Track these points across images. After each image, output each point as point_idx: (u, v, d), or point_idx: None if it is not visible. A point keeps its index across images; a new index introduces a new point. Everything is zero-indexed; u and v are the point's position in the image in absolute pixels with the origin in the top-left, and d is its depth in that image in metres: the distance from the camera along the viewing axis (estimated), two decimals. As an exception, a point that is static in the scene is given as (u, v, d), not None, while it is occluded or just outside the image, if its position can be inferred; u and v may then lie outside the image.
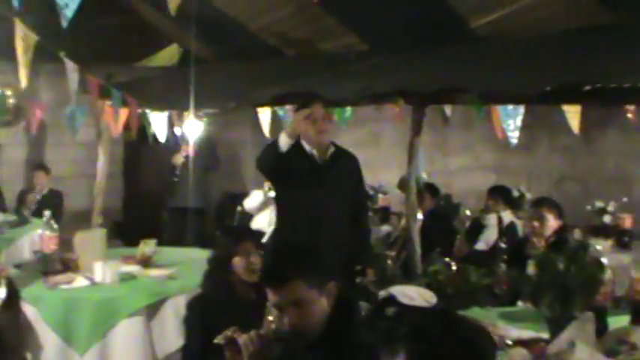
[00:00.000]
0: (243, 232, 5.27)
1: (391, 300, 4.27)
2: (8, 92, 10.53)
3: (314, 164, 5.81)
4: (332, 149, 5.87)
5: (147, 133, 8.68)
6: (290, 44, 8.43)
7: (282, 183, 6.09)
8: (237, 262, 4.53)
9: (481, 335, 2.56)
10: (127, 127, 8.58)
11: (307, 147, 5.80)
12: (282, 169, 5.77)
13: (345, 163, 5.95)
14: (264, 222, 8.93)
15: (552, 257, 3.79)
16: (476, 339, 2.50)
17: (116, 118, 8.09)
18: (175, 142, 10.00)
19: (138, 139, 9.13)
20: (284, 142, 5.59)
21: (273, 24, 7.96)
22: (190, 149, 9.63)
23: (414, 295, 4.23)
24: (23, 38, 5.86)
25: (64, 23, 3.07)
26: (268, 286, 3.37)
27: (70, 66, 6.63)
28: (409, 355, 2.47)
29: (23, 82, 5.84)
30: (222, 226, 8.78)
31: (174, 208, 10.34)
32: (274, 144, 5.63)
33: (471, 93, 6.14)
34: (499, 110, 6.76)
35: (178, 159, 10.02)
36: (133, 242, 7.01)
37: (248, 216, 9.47)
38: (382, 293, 4.46)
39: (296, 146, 5.80)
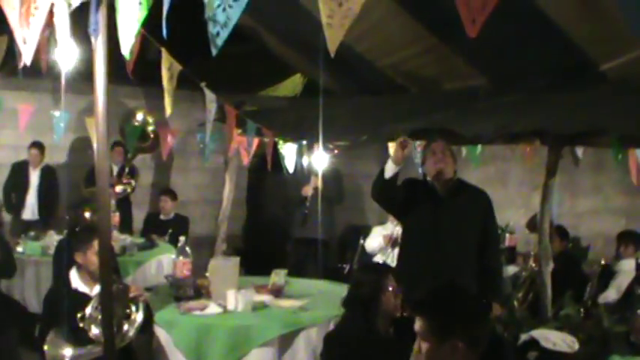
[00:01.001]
0: (387, 268, 5.28)
1: (533, 343, 4.24)
2: (150, 119, 10.81)
3: (435, 196, 5.86)
4: (455, 183, 5.90)
5: (272, 162, 8.80)
6: (416, 83, 8.43)
7: (399, 213, 6.15)
8: (385, 297, 4.56)
9: None
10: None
11: (429, 180, 5.90)
12: (396, 197, 5.86)
13: (470, 198, 5.96)
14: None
15: None
16: None
17: (249, 146, 8.25)
18: (302, 174, 10.08)
19: (263, 168, 9.25)
20: (389, 167, 5.68)
21: (400, 62, 7.97)
22: (319, 181, 9.70)
23: (557, 340, 4.19)
24: (169, 68, 6.03)
25: (214, 52, 3.14)
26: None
27: (210, 96, 6.78)
28: None
29: (168, 110, 6.01)
30: (363, 262, 8.77)
31: (299, 238, 10.38)
32: (381, 171, 5.72)
33: (611, 136, 6.05)
34: (637, 154, 6.66)
35: (308, 190, 10.07)
36: (255, 271, 7.12)
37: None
38: (524, 336, 4.43)
39: (420, 181, 5.89)
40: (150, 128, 10.80)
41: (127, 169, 10.79)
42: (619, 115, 6.38)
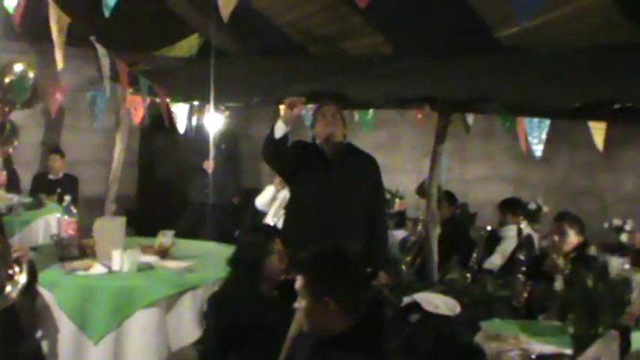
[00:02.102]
0: (274, 231, 5.26)
1: (415, 306, 4.29)
2: (30, 73, 10.50)
3: (324, 160, 5.85)
4: (344, 147, 5.90)
5: (164, 123, 8.69)
6: (315, 41, 8.42)
7: (289, 175, 6.15)
8: (271, 260, 4.55)
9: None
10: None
11: (319, 143, 5.88)
12: (286, 159, 5.86)
13: (359, 163, 5.97)
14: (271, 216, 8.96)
15: (581, 274, 3.79)
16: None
17: (142, 106, 8.13)
18: (197, 135, 10.00)
19: (154, 128, 9.15)
20: (279, 127, 5.66)
21: (298, 20, 7.96)
22: (211, 142, 9.60)
23: (439, 303, 4.25)
24: (57, 20, 5.87)
25: (107, 13, 3.06)
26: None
27: (102, 51, 6.64)
28: None
29: (60, 64, 5.86)
30: (251, 224, 8.71)
31: (197, 203, 10.29)
32: (271, 130, 5.70)
33: (499, 103, 6.13)
34: (525, 123, 6.75)
35: (209, 165, 9.96)
36: (146, 232, 7.02)
37: (261, 213, 9.48)
38: (406, 299, 4.48)
39: (310, 144, 5.88)
40: (29, 82, 10.48)
41: (7, 126, 10.47)
42: (509, 83, 6.47)
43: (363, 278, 3.44)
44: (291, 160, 5.87)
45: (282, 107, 5.88)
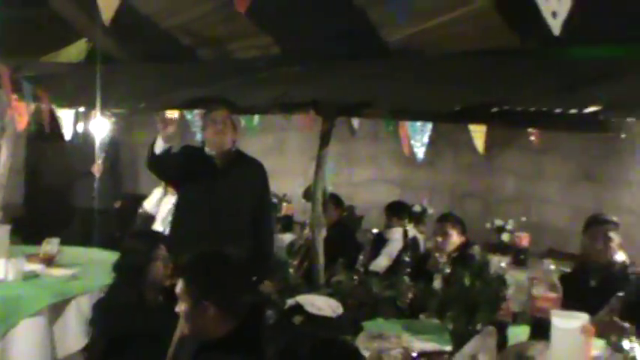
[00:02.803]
0: (158, 237, 5.25)
1: (298, 309, 4.34)
2: None
3: (212, 167, 5.87)
4: (233, 154, 5.94)
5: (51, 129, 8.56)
6: (203, 44, 8.41)
7: (175, 183, 6.17)
8: (155, 266, 4.55)
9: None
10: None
11: (208, 150, 5.89)
12: (169, 171, 5.91)
13: (246, 170, 6.02)
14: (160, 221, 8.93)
15: (458, 272, 3.90)
16: None
17: (27, 112, 8.00)
18: (83, 141, 9.89)
19: (40, 135, 9.02)
20: (158, 144, 5.70)
21: (187, 23, 7.93)
22: (97, 148, 9.52)
23: (322, 304, 4.30)
24: None
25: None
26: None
27: (-17, 57, 6.53)
28: None
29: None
30: (134, 231, 8.66)
31: (83, 208, 10.18)
32: (151, 145, 5.74)
33: (382, 108, 6.23)
34: (407, 126, 6.89)
35: (97, 169, 9.88)
36: (33, 240, 6.91)
37: (150, 218, 9.43)
38: (290, 301, 4.52)
39: (198, 149, 5.91)
40: None
41: None
42: (393, 87, 6.58)
43: (243, 282, 3.49)
44: (176, 171, 5.88)
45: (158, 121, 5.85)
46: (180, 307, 3.38)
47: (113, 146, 10.61)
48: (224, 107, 5.97)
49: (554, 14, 3.01)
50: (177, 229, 5.99)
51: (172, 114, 5.73)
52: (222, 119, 5.86)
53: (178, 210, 6.11)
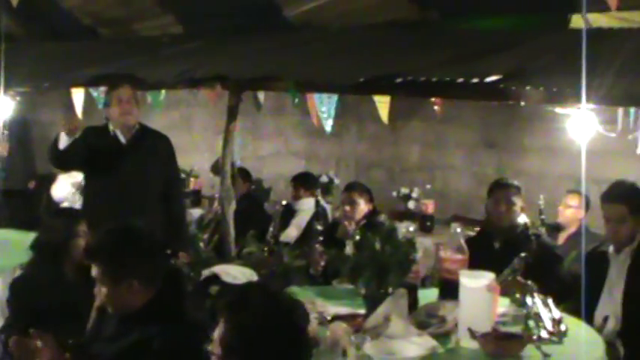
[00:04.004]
0: (78, 214, 5.23)
1: (214, 279, 4.42)
2: None
3: (118, 145, 5.89)
4: (138, 129, 5.95)
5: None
6: (105, 24, 8.36)
7: (83, 167, 6.14)
8: (77, 243, 4.55)
9: (296, 307, 2.75)
10: None
11: (112, 129, 5.90)
12: (73, 162, 5.90)
13: (152, 143, 6.04)
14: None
15: (369, 238, 4.01)
16: (291, 310, 2.69)
17: None
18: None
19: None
20: (62, 139, 5.65)
21: (87, 3, 7.88)
22: (1, 128, 9.37)
23: (237, 273, 4.39)
24: None
25: None
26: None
27: None
28: (230, 326, 2.62)
29: None
30: (56, 208, 8.51)
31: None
32: (54, 143, 5.70)
33: (288, 81, 6.30)
34: (315, 98, 6.98)
35: (2, 147, 9.72)
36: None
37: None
38: (206, 272, 4.60)
39: (102, 128, 5.90)
40: None
41: None
42: (298, 60, 6.67)
43: (157, 251, 3.53)
44: (80, 159, 5.84)
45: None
46: (100, 291, 3.40)
47: (22, 125, 10.42)
48: (128, 84, 5.95)
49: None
50: (88, 208, 5.97)
51: (76, 119, 5.69)
52: (127, 97, 5.83)
53: (88, 191, 6.10)
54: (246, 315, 2.59)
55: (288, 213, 8.59)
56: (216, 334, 2.64)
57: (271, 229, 7.79)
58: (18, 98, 9.51)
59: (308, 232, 7.69)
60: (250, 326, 2.58)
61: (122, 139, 5.87)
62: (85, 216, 5.73)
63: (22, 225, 7.48)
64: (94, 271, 3.40)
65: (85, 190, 6.19)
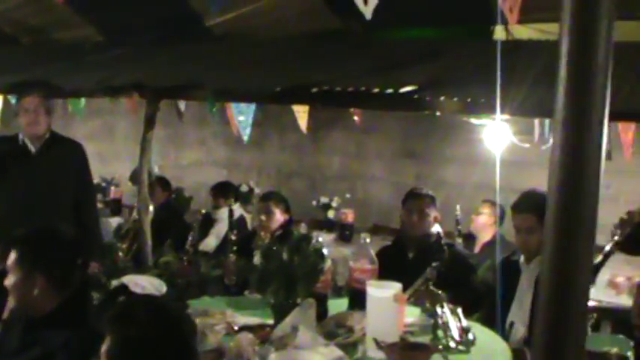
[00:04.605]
0: None
1: (123, 289, 4.38)
2: None
3: (27, 154, 5.83)
4: (48, 138, 5.88)
5: None
6: (26, 33, 8.26)
7: None
8: None
9: (183, 319, 2.74)
10: None
11: (21, 138, 5.85)
12: None
13: (62, 152, 5.97)
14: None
15: (277, 248, 4.01)
16: (178, 322, 2.68)
17: None
18: None
19: None
20: None
21: (8, 11, 7.77)
22: None
23: (146, 284, 4.36)
24: None
25: None
26: None
27: None
28: (115, 339, 2.62)
29: None
30: None
31: None
32: None
33: (204, 90, 6.28)
34: (233, 108, 6.97)
35: None
36: None
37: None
38: (114, 282, 4.57)
39: (12, 137, 5.85)
40: None
41: None
42: (216, 69, 6.66)
43: (73, 258, 3.52)
44: None
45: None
46: (10, 280, 3.40)
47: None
48: (35, 93, 5.88)
49: (365, 1, 3.16)
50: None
51: None
52: (34, 106, 5.78)
53: None
54: (130, 328, 2.58)
55: (208, 222, 8.57)
56: (103, 347, 2.63)
57: (190, 238, 7.73)
58: None
59: (226, 242, 7.67)
60: (134, 338, 2.58)
61: (31, 148, 5.81)
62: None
63: None
64: (9, 259, 3.43)
65: None
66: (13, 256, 3.40)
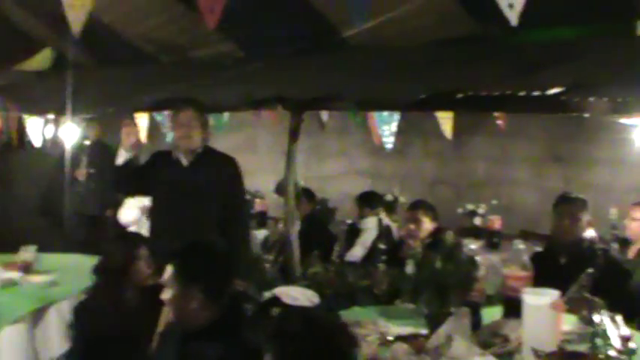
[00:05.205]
0: (139, 238, 5.23)
1: (276, 300, 4.40)
2: None
3: (179, 169, 5.86)
4: (200, 152, 5.89)
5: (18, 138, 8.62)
6: (166, 51, 8.44)
7: (145, 190, 6.19)
8: (138, 266, 4.58)
9: (340, 331, 2.71)
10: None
11: (175, 152, 5.90)
12: (131, 181, 6.01)
13: (215, 166, 5.95)
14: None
15: (430, 256, 3.97)
16: (334, 335, 2.66)
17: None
18: (54, 148, 9.90)
19: (9, 144, 9.01)
20: (120, 154, 5.82)
21: (149, 31, 7.95)
22: (67, 154, 9.51)
23: (298, 295, 4.35)
24: None
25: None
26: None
27: (-51, 70, 6.54)
28: (274, 355, 2.61)
29: None
30: (115, 233, 8.59)
31: (72, 214, 10.20)
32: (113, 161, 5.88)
33: (348, 100, 6.29)
34: (375, 117, 6.97)
35: (81, 174, 9.90)
36: (8, 249, 6.92)
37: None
38: (267, 294, 4.58)
39: (167, 152, 5.94)
40: None
41: None
42: (358, 79, 6.65)
43: (229, 272, 3.56)
44: (140, 181, 5.97)
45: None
46: (167, 294, 3.45)
47: (99, 150, 10.58)
48: (190, 108, 5.96)
49: (510, 6, 3.09)
50: (153, 230, 5.99)
51: (133, 125, 5.76)
52: (188, 120, 5.84)
53: (153, 214, 6.12)
54: (289, 343, 2.58)
55: (353, 232, 8.56)
56: None
57: (337, 248, 7.75)
58: (84, 124, 9.68)
59: (373, 252, 7.64)
60: (292, 354, 2.57)
61: (184, 161, 5.86)
62: (151, 239, 5.81)
63: (92, 250, 7.61)
64: (167, 273, 3.50)
65: (151, 213, 6.20)
66: (170, 271, 3.45)
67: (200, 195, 5.79)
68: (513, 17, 3.04)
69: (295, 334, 2.59)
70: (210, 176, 5.87)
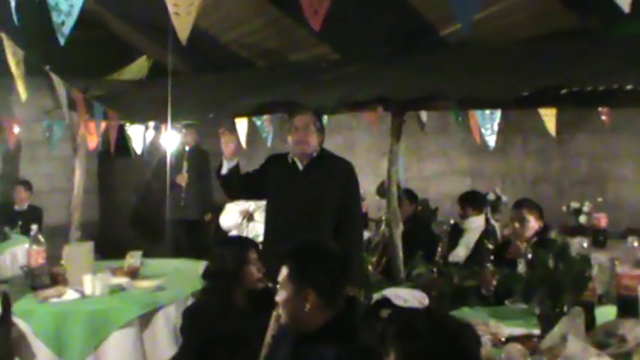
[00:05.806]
0: (249, 242, 5.25)
1: (385, 302, 4.39)
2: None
3: (294, 172, 5.85)
4: (316, 156, 5.85)
5: (117, 145, 8.80)
6: (262, 56, 8.50)
7: (258, 195, 6.22)
8: (248, 270, 4.62)
9: (466, 331, 2.68)
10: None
11: (291, 156, 5.88)
12: (240, 188, 6.05)
13: (328, 169, 5.89)
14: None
15: (542, 255, 3.91)
16: (460, 335, 2.62)
17: (97, 131, 8.18)
18: (154, 155, 10.08)
19: (110, 152, 9.18)
20: (224, 164, 5.84)
21: (244, 36, 8.01)
22: (168, 160, 9.67)
23: (408, 296, 4.34)
24: (13, 54, 5.92)
25: (62, 41, 3.13)
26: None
27: (57, 80, 6.69)
28: (398, 355, 2.59)
29: (23, 95, 5.92)
30: (226, 238, 8.65)
31: (173, 220, 10.40)
32: (218, 169, 5.94)
33: (450, 99, 6.24)
34: (477, 115, 6.90)
35: (183, 179, 10.09)
36: (111, 256, 7.06)
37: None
38: (376, 296, 4.58)
39: (283, 155, 5.94)
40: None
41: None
42: (458, 78, 6.59)
43: (342, 272, 3.55)
44: (251, 185, 5.98)
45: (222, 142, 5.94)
46: (281, 296, 3.46)
47: (199, 156, 10.74)
48: (307, 112, 5.93)
49: (622, -6, 3.01)
50: (268, 235, 5.97)
51: (228, 133, 5.80)
52: (304, 124, 5.80)
53: (267, 217, 6.10)
54: (415, 343, 2.56)
55: (456, 232, 8.47)
56: None
57: (439, 249, 7.68)
58: (184, 130, 9.82)
59: (476, 252, 7.56)
60: (419, 354, 2.54)
61: (299, 165, 5.85)
62: (266, 242, 5.85)
63: (192, 254, 7.72)
64: (281, 275, 3.49)
65: (266, 216, 6.19)
66: (284, 272, 3.45)
67: (315, 198, 5.76)
68: (626, 5, 2.97)
69: (423, 334, 2.57)
70: (326, 179, 5.83)
